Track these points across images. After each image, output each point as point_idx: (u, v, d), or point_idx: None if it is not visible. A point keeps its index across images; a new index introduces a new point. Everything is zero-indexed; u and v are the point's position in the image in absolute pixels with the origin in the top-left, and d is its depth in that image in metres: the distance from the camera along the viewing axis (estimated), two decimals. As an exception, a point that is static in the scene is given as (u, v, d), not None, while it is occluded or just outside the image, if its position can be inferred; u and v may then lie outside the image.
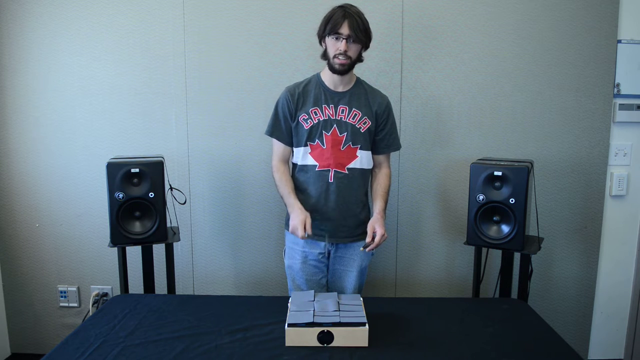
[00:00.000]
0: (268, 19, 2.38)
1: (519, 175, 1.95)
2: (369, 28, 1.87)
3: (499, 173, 1.98)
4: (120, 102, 2.46)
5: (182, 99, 2.45)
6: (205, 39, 2.40)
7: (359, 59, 1.92)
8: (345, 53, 1.82)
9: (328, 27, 1.83)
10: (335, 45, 1.84)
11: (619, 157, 2.43)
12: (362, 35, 1.82)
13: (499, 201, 1.99)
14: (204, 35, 2.40)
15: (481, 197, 2.02)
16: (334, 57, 1.84)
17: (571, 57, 2.35)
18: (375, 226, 1.87)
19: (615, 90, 2.37)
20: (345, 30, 1.80)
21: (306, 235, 1.84)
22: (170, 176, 2.37)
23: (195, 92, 2.44)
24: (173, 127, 2.47)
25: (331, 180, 1.92)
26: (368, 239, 1.87)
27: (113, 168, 2.01)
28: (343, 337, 1.51)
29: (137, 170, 2.03)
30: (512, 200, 1.96)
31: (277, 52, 2.39)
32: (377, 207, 1.95)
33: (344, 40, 1.81)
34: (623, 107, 2.37)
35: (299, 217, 1.85)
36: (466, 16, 2.35)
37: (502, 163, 2.03)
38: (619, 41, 2.33)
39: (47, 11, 2.40)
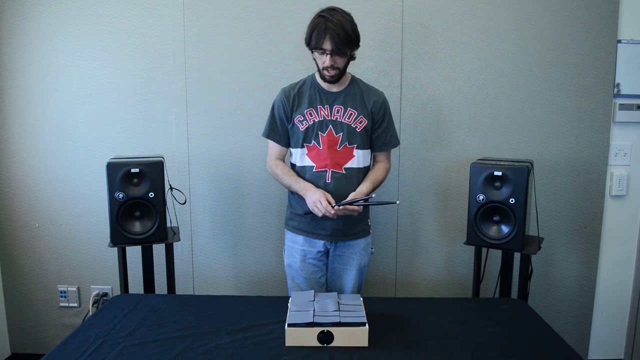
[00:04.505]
0: (268, 19, 2.38)
1: (519, 175, 1.95)
2: (353, 33, 1.81)
3: (499, 173, 1.98)
4: (120, 102, 2.46)
5: (182, 99, 2.45)
6: (205, 39, 2.41)
7: (351, 58, 1.90)
8: (332, 66, 1.82)
9: (312, 42, 1.82)
10: (321, 59, 1.84)
11: (619, 157, 2.43)
12: (344, 47, 1.80)
13: (499, 201, 1.99)
14: (204, 35, 2.40)
15: (481, 197, 2.02)
16: (323, 69, 1.85)
17: (571, 57, 2.35)
18: (353, 196, 1.85)
19: (615, 90, 2.37)
20: (327, 45, 1.79)
21: (332, 212, 1.81)
22: (170, 176, 2.37)
23: (195, 92, 2.44)
24: (173, 127, 2.47)
25: (329, 180, 1.92)
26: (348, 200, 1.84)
27: (113, 168, 2.01)
28: (343, 337, 1.51)
29: (137, 170, 2.03)
30: (512, 200, 1.96)
31: (277, 52, 2.40)
32: (363, 186, 1.91)
33: (329, 55, 1.80)
34: (623, 107, 2.37)
35: (314, 195, 1.84)
36: (466, 16, 2.35)
37: (502, 163, 2.03)
38: (619, 41, 2.33)
39: (47, 11, 2.40)
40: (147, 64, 2.43)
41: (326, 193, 1.86)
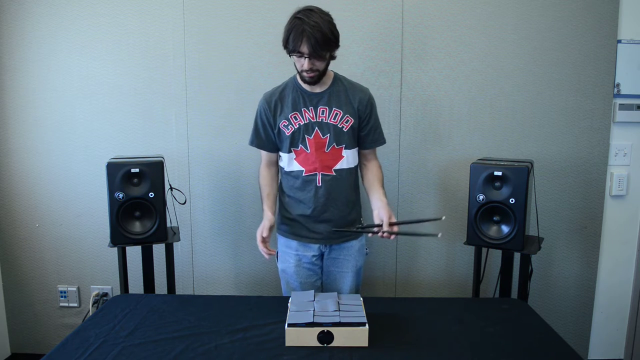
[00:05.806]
0: (268, 19, 2.38)
1: (519, 175, 1.95)
2: (331, 35, 1.72)
3: (499, 173, 1.98)
4: (120, 102, 2.46)
5: (182, 99, 2.45)
6: (205, 39, 2.41)
7: (332, 58, 1.83)
8: (310, 69, 1.77)
9: (289, 46, 1.75)
10: (299, 62, 1.78)
11: (619, 157, 2.43)
12: (322, 50, 1.73)
13: (499, 201, 1.99)
14: (204, 35, 2.40)
15: (481, 197, 2.02)
16: (302, 72, 1.80)
17: (571, 57, 2.35)
18: (389, 215, 1.76)
19: (615, 90, 2.37)
20: (304, 49, 1.71)
21: (264, 251, 1.85)
22: (170, 176, 2.37)
23: (195, 92, 2.44)
24: (173, 127, 2.47)
25: (319, 184, 1.88)
26: (377, 227, 1.77)
27: (113, 168, 2.01)
28: (343, 337, 1.51)
29: (137, 170, 2.03)
30: (512, 200, 1.96)
31: (277, 52, 2.36)
32: (378, 194, 1.86)
33: (307, 59, 1.74)
34: (623, 107, 2.37)
35: (261, 224, 1.86)
36: (466, 16, 2.35)
37: (502, 163, 2.03)
38: (619, 41, 2.33)
39: (47, 11, 2.40)
40: (147, 63, 2.43)
41: (265, 227, 1.85)
